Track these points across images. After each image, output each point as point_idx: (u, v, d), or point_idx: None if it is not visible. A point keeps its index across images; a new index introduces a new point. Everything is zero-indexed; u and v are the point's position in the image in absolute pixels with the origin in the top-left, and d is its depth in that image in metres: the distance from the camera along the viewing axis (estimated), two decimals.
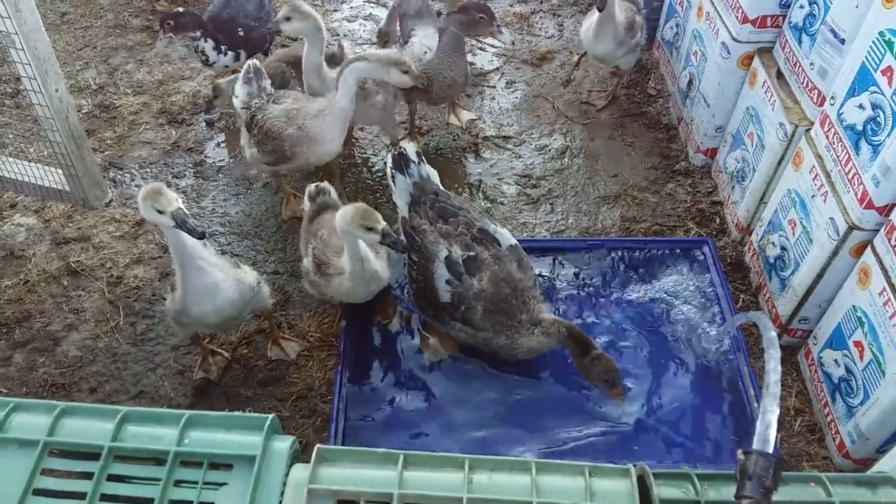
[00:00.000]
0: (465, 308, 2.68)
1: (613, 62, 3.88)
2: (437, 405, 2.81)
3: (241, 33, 3.95)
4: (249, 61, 3.30)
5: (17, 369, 3.06)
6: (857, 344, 2.56)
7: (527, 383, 2.86)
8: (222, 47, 3.90)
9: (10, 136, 3.79)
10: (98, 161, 3.83)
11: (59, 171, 3.07)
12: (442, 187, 2.99)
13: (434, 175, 2.98)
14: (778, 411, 1.43)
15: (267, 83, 3.32)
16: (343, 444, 2.66)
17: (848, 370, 2.62)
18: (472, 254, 2.71)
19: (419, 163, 2.96)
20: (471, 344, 2.81)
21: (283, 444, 1.57)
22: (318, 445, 1.53)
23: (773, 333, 1.66)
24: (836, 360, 2.69)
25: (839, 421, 2.66)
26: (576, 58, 4.31)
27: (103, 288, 3.32)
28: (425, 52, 3.65)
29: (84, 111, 4.16)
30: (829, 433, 2.73)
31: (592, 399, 2.77)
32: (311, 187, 3.02)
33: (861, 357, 2.54)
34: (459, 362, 2.94)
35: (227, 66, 3.99)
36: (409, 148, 2.97)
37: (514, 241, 2.83)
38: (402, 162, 2.94)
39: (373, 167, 3.92)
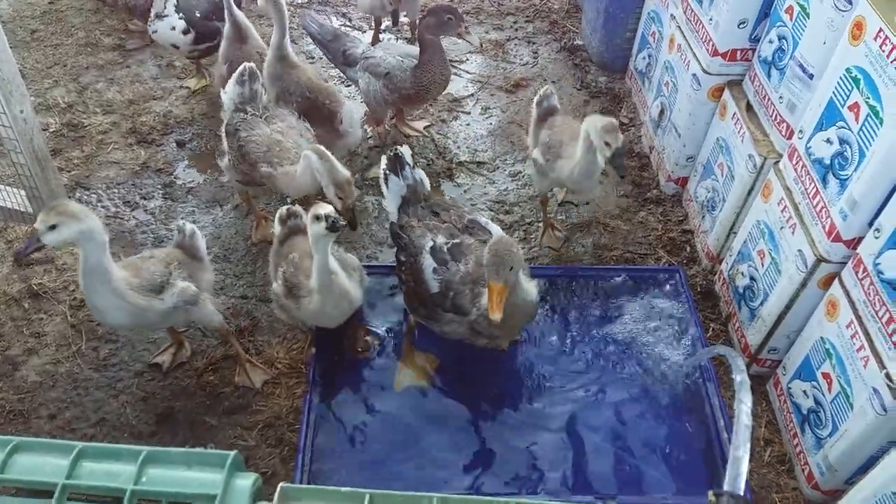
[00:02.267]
0: (454, 293, 2.64)
1: (592, 190, 3.48)
2: (408, 436, 2.77)
3: (198, 16, 4.06)
4: (246, 63, 3.28)
5: None
6: (826, 376, 2.58)
7: (500, 416, 2.83)
8: (179, 11, 4.02)
9: None
10: (64, 181, 3.76)
11: (23, 192, 2.99)
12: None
13: (426, 180, 2.99)
14: (748, 453, 1.42)
15: (261, 88, 3.30)
16: (310, 475, 2.61)
17: (817, 402, 2.63)
18: (456, 241, 2.71)
19: (413, 166, 2.96)
20: (465, 340, 2.76)
21: (246, 482, 1.52)
22: (281, 484, 1.48)
23: (745, 375, 1.66)
24: (804, 392, 2.71)
25: (808, 452, 2.67)
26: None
27: (66, 311, 3.24)
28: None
29: (52, 130, 4.09)
30: (799, 464, 2.74)
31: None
32: (283, 210, 2.99)
33: (829, 389, 2.56)
34: (432, 394, 2.91)
35: (173, 29, 4.03)
36: (405, 151, 2.97)
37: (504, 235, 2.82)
38: (396, 164, 2.93)
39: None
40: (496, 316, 2.32)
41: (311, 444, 2.69)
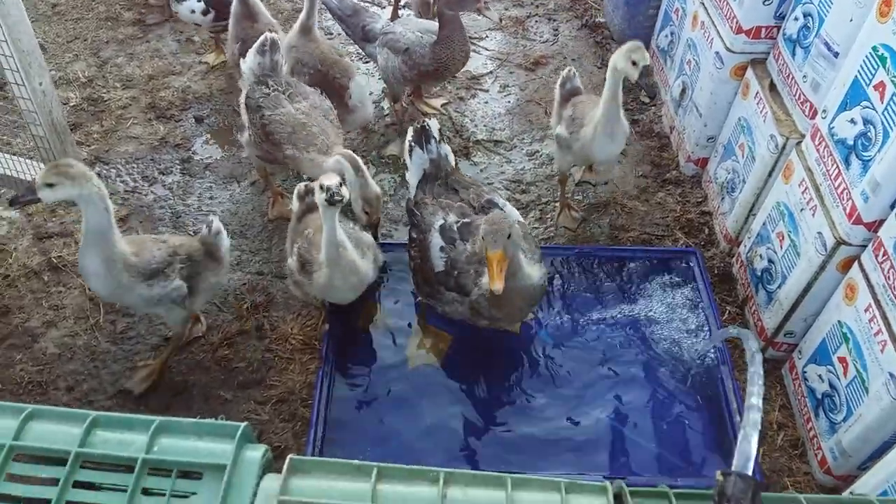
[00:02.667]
0: (458, 272, 2.64)
1: (614, 161, 3.56)
2: (419, 412, 2.78)
3: None
4: (267, 33, 3.22)
5: None
6: (842, 360, 2.55)
7: (511, 395, 2.84)
8: None
9: None
10: (84, 155, 3.79)
11: (42, 165, 3.02)
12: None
13: (451, 156, 2.97)
14: (759, 433, 1.41)
15: (281, 59, 3.25)
16: (322, 450, 2.63)
17: (832, 386, 2.60)
18: (466, 220, 2.71)
19: (440, 140, 2.94)
20: (466, 320, 2.76)
21: (255, 454, 1.54)
22: (290, 456, 1.49)
23: (758, 353, 1.64)
24: (820, 376, 2.68)
25: (822, 437, 2.65)
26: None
27: (84, 284, 3.28)
28: None
29: (72, 104, 4.11)
30: (812, 449, 2.72)
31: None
32: (301, 186, 2.98)
33: (845, 373, 2.53)
34: (445, 370, 2.92)
35: (192, 12, 4.05)
36: (433, 124, 2.96)
37: (519, 219, 2.81)
38: (422, 137, 2.93)
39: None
40: (497, 286, 2.27)
41: (324, 419, 2.71)
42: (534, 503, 1.45)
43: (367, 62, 4.39)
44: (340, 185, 2.46)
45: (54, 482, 1.48)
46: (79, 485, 1.48)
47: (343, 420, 2.75)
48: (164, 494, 1.47)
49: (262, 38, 3.22)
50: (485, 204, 2.78)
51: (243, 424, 1.58)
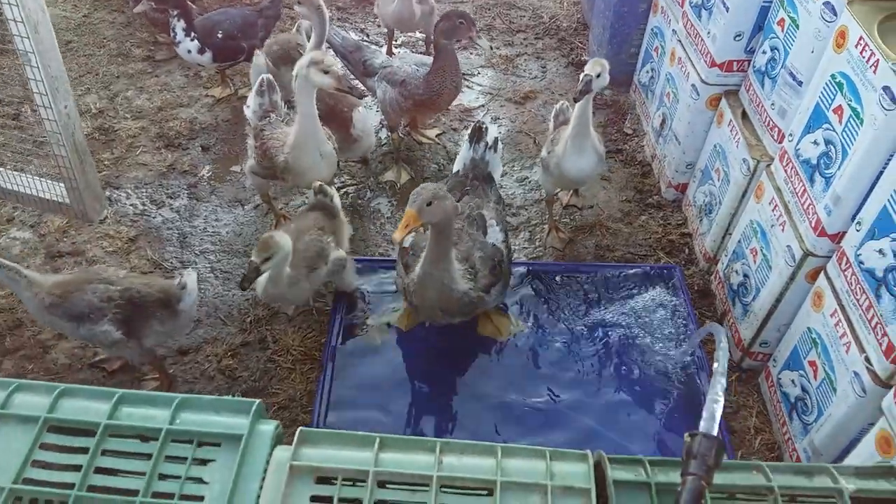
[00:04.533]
0: (413, 254, 2.88)
1: (592, 180, 3.65)
2: (417, 415, 2.93)
3: (220, 36, 4.23)
4: (263, 76, 3.50)
5: (6, 375, 3.14)
6: (812, 364, 2.72)
7: (504, 391, 2.99)
8: (192, 34, 4.19)
9: (9, 154, 3.93)
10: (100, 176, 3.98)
11: (62, 184, 3.20)
12: (497, 183, 3.18)
13: (496, 166, 3.15)
14: (722, 398, 1.57)
15: (279, 98, 3.53)
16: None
17: (804, 389, 2.77)
18: None
19: (491, 147, 3.11)
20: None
21: (268, 427, 1.68)
22: (300, 428, 1.64)
23: (724, 336, 1.81)
24: (792, 381, 2.84)
25: (795, 438, 2.80)
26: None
27: None
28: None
29: (84, 133, 4.30)
30: (787, 451, 2.86)
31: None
32: (317, 184, 3.21)
33: (815, 376, 2.70)
34: (446, 382, 3.05)
35: (189, 52, 4.27)
36: (492, 129, 3.14)
37: (499, 243, 2.95)
38: (476, 135, 3.11)
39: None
40: (395, 235, 2.53)
41: (324, 420, 2.85)
42: (521, 468, 1.59)
43: (366, 96, 4.62)
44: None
45: (84, 451, 1.63)
46: (107, 453, 1.62)
47: (341, 424, 2.89)
48: (184, 462, 1.62)
49: (259, 79, 3.50)
50: (475, 215, 2.97)
51: (257, 401, 1.72)
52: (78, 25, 5.24)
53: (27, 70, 2.73)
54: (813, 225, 2.69)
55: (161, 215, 3.90)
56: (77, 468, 1.59)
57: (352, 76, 4.32)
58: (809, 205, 2.71)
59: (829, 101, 2.60)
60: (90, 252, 3.66)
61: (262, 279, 2.89)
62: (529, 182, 4.13)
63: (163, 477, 1.59)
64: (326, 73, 3.06)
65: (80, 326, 2.75)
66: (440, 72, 3.70)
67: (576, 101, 3.07)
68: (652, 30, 4.27)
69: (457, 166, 3.20)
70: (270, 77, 3.55)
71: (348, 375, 3.05)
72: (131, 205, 3.94)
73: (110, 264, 3.58)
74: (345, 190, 4.07)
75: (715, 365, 1.65)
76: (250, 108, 3.55)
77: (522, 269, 3.44)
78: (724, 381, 1.60)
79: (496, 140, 3.15)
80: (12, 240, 3.72)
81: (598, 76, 3.05)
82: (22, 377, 3.13)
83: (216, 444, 1.65)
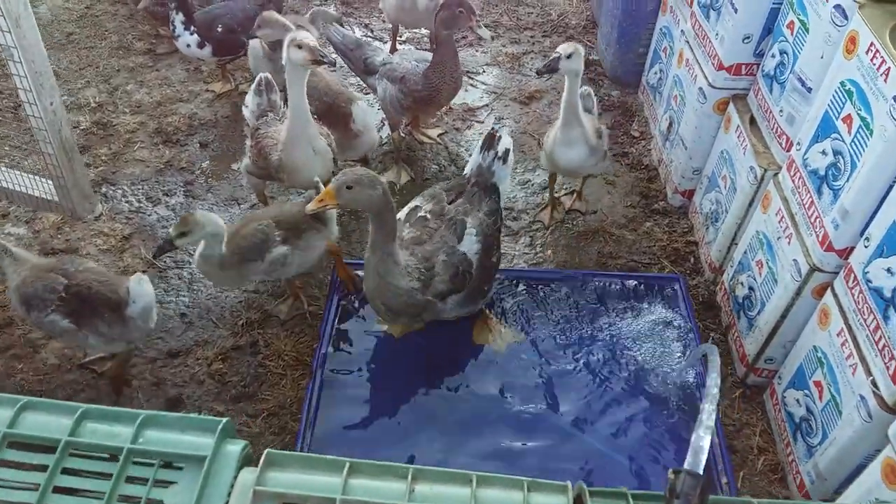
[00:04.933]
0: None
1: (585, 172, 3.56)
2: (405, 424, 2.85)
3: (219, 30, 4.18)
4: (262, 74, 3.46)
5: None
6: (817, 384, 2.61)
7: (494, 402, 2.91)
8: (192, 28, 4.14)
9: (7, 147, 3.89)
10: (91, 176, 3.93)
11: (50, 182, 3.15)
12: (502, 196, 3.10)
13: (503, 179, 3.07)
14: (710, 435, 1.48)
15: (277, 98, 3.49)
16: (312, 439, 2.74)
17: (808, 410, 2.66)
18: (427, 217, 2.90)
19: (501, 158, 3.02)
20: None
21: (235, 448, 1.61)
22: (267, 450, 1.57)
23: (718, 360, 1.72)
24: (797, 400, 2.74)
25: (799, 460, 2.70)
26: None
27: None
28: None
29: (82, 128, 4.27)
30: (791, 473, 2.76)
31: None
32: (316, 179, 3.14)
33: (820, 397, 2.59)
34: (436, 390, 2.98)
35: (188, 46, 4.22)
36: (506, 139, 3.06)
37: (471, 254, 2.84)
38: (488, 143, 3.03)
39: None
40: (307, 207, 2.57)
41: (312, 430, 2.78)
42: (497, 499, 1.52)
43: (367, 93, 4.54)
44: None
45: (44, 469, 1.57)
46: (67, 471, 1.56)
47: (330, 433, 2.82)
48: (146, 482, 1.55)
49: (257, 78, 3.47)
50: (457, 220, 2.89)
51: (224, 420, 1.66)
52: (80, 17, 5.19)
53: (10, 66, 2.67)
54: (820, 239, 2.58)
55: (156, 213, 3.85)
56: (34, 487, 1.53)
57: (353, 74, 4.25)
58: (817, 217, 2.60)
59: (839, 110, 2.49)
60: (84, 249, 3.61)
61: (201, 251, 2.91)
62: (532, 185, 4.03)
63: (123, 498, 1.53)
64: (300, 48, 2.99)
65: (30, 312, 2.76)
66: (439, 66, 3.61)
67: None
68: (661, 29, 4.15)
69: (467, 169, 3.13)
70: (269, 76, 3.50)
71: (338, 384, 2.98)
72: (126, 202, 3.89)
73: (104, 263, 3.53)
74: None
75: (705, 399, 1.56)
76: (248, 107, 3.52)
77: (517, 276, 3.36)
78: (712, 415, 1.50)
79: (507, 151, 3.05)
80: (7, 235, 3.67)
81: (569, 57, 3.03)
82: (11, 377, 3.11)
83: (180, 464, 1.59)
